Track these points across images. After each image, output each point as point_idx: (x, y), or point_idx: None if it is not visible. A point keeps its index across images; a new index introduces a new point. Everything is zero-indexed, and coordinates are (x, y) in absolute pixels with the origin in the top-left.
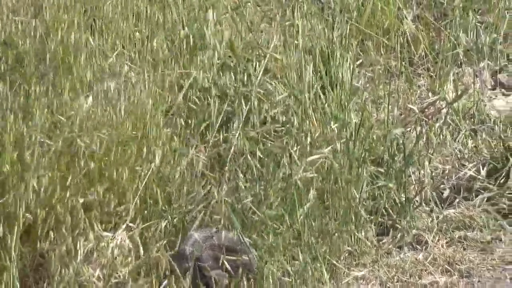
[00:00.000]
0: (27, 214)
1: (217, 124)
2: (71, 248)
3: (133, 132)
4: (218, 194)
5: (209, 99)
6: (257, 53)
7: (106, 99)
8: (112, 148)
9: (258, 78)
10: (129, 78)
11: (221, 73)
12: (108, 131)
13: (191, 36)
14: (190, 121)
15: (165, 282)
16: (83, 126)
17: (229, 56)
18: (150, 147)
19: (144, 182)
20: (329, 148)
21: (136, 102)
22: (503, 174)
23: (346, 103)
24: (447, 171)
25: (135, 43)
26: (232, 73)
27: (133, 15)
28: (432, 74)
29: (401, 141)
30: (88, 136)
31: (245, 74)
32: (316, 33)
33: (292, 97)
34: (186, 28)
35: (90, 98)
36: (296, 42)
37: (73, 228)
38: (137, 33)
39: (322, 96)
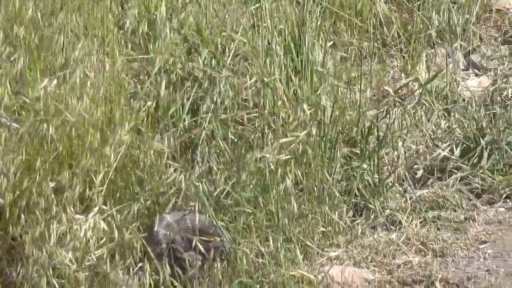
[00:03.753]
0: None
1: (186, 108)
2: (44, 231)
3: (101, 116)
4: (189, 178)
5: (176, 83)
6: (225, 36)
7: (72, 82)
8: (80, 132)
9: (227, 62)
10: (98, 61)
11: (189, 57)
12: (75, 115)
13: (158, 20)
14: (158, 106)
15: (140, 264)
16: (49, 109)
17: (200, 40)
18: (117, 131)
19: (114, 166)
20: (304, 132)
21: (104, 86)
22: (476, 154)
23: (318, 85)
24: (420, 152)
25: (106, 26)
26: (199, 57)
27: None
28: (405, 55)
29: (374, 122)
30: (55, 120)
31: (214, 57)
32: (286, 15)
33: (263, 79)
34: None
35: (55, 80)
36: (264, 24)
37: (45, 211)
38: (110, 15)
39: (294, 78)
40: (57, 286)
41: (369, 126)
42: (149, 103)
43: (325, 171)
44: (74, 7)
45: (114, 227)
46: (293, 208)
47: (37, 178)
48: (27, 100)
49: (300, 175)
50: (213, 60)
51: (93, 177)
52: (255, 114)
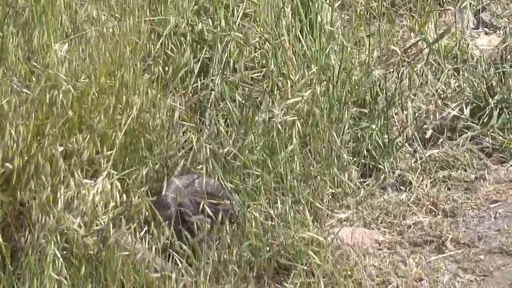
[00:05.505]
0: (6, 163)
1: (196, 70)
2: (51, 196)
3: (111, 80)
4: (198, 140)
5: (186, 45)
6: None
7: (82, 46)
8: (90, 96)
9: (237, 23)
10: (106, 25)
11: (197, 19)
12: (85, 79)
13: None
14: (168, 68)
15: (146, 228)
16: (60, 74)
17: (209, 1)
18: (129, 95)
19: (123, 130)
20: (309, 91)
21: (113, 50)
22: (486, 113)
23: (326, 46)
24: (430, 111)
25: None
26: (209, 18)
27: None
28: (414, 14)
29: (383, 82)
30: (64, 85)
31: (223, 19)
32: None
33: (271, 40)
34: None
35: (66, 45)
36: None
37: (53, 176)
38: None
39: (301, 39)
40: (60, 255)
41: (378, 85)
42: (158, 66)
43: (333, 132)
44: None
45: (122, 191)
46: (301, 169)
47: (46, 143)
48: (37, 66)
49: (308, 136)
50: (222, 21)
51: (102, 141)
52: (263, 75)
